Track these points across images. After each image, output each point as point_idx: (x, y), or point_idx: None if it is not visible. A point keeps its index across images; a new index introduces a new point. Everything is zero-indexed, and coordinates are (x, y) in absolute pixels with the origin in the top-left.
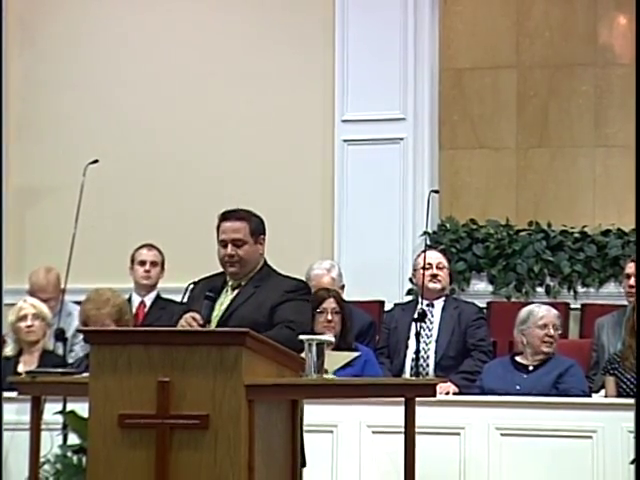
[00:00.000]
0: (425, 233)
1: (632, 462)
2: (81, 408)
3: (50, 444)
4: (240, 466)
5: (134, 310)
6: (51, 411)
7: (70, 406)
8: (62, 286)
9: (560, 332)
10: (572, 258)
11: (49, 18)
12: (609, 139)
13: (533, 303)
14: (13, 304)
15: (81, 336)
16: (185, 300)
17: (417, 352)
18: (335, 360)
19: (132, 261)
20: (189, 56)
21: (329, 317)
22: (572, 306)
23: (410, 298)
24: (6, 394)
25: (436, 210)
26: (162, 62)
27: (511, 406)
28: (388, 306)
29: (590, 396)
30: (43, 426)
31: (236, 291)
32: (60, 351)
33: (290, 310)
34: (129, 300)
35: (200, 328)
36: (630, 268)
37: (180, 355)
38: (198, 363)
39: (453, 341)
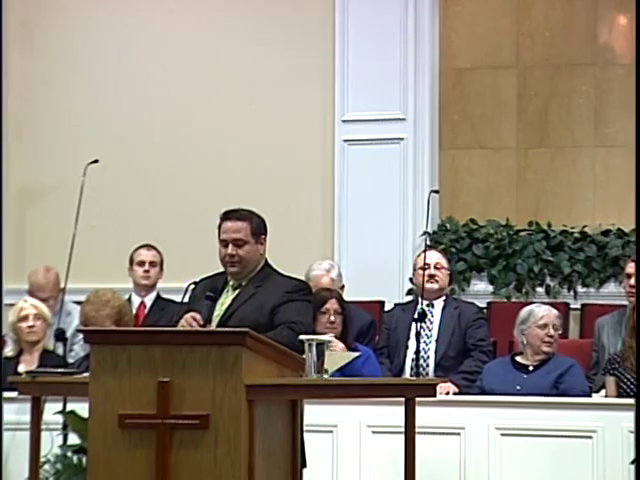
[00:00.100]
0: (425, 233)
1: (632, 462)
2: (81, 408)
3: (50, 444)
4: (240, 466)
5: (134, 311)
6: (51, 411)
7: (70, 406)
8: (61, 285)
9: (560, 332)
10: (572, 258)
11: (49, 18)
12: (609, 139)
13: (533, 303)
14: (13, 304)
15: (81, 336)
16: (186, 300)
17: (417, 352)
18: (335, 360)
19: (131, 261)
20: (189, 56)
21: (332, 318)
22: (572, 306)
23: (410, 298)
24: (6, 394)
25: (436, 210)
26: (162, 62)
27: (511, 406)
28: (388, 306)
29: (590, 396)
30: (43, 426)
31: (237, 291)
32: (60, 351)
33: (291, 311)
34: (129, 301)
35: (200, 328)
36: (630, 268)
37: (180, 355)
38: (198, 363)
39: (453, 341)
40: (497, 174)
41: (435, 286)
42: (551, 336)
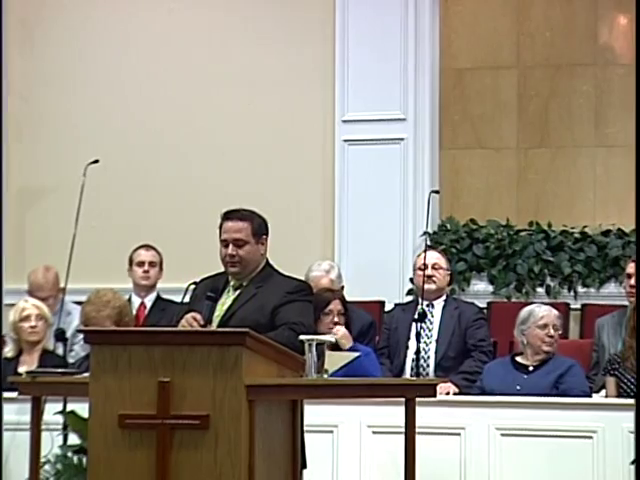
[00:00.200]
0: (425, 233)
1: (632, 463)
2: (81, 408)
3: (50, 444)
4: (240, 466)
5: (134, 312)
6: (51, 411)
7: (70, 406)
8: (61, 285)
9: (560, 332)
10: (572, 258)
11: (49, 18)
12: (609, 139)
13: (533, 303)
14: (13, 304)
15: (81, 336)
16: (186, 300)
17: (417, 352)
18: (335, 360)
19: (130, 262)
20: (189, 56)
21: (335, 319)
22: (572, 306)
23: (410, 298)
24: (6, 394)
25: (436, 210)
26: (162, 62)
27: (511, 406)
28: (388, 306)
29: (590, 396)
30: (43, 426)
31: (238, 291)
32: (60, 351)
33: (292, 311)
34: (129, 301)
35: (201, 328)
36: (631, 268)
37: (180, 355)
38: (198, 363)
39: (453, 341)
40: (497, 174)
41: (433, 286)
42: (551, 336)
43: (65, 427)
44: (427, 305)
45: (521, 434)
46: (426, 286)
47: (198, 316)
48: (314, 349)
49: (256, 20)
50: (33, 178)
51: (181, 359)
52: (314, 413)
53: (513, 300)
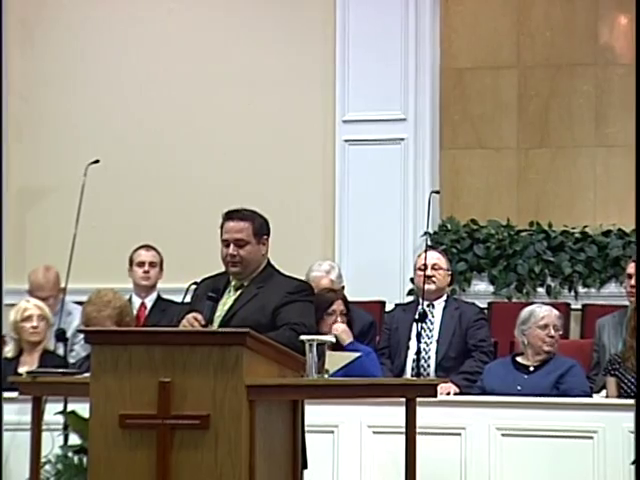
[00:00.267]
0: (426, 233)
1: (633, 463)
2: (82, 408)
3: (51, 444)
4: (241, 466)
5: (135, 312)
6: (52, 411)
7: (71, 406)
8: (61, 285)
9: (561, 332)
10: (573, 258)
11: (49, 18)
12: (610, 139)
13: (534, 303)
14: (13, 304)
15: (81, 336)
16: (187, 300)
17: (418, 353)
18: (336, 360)
19: (130, 262)
20: (189, 56)
21: (338, 319)
22: (573, 306)
23: (411, 299)
24: (7, 394)
25: (437, 210)
26: (162, 62)
27: (512, 406)
28: (389, 306)
29: (591, 396)
30: (44, 426)
31: (239, 291)
32: (61, 351)
33: (293, 312)
34: (129, 301)
35: (202, 328)
36: (632, 268)
37: (181, 355)
38: (199, 363)
39: (454, 342)
40: (498, 174)
41: (432, 287)
42: (552, 336)
43: (66, 427)
44: (428, 305)
45: (522, 434)
46: (426, 286)
47: (199, 316)
48: (315, 349)
49: (256, 20)
50: (33, 178)
51: (182, 359)
52: (315, 413)
53: (514, 300)
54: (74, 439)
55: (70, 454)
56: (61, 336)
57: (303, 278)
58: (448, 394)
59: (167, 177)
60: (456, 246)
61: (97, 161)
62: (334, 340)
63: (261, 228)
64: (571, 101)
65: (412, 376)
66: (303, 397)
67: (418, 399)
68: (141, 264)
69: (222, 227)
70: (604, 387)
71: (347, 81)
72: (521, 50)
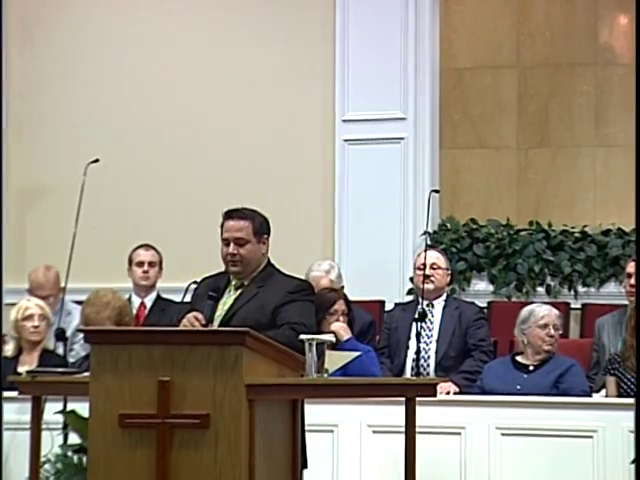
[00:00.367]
0: (426, 233)
1: (633, 462)
2: (82, 408)
3: (51, 444)
4: (241, 466)
5: (134, 311)
6: (52, 411)
7: (71, 406)
8: (61, 284)
9: (561, 332)
10: (573, 258)
11: (49, 18)
12: (610, 139)
13: (534, 303)
14: (13, 304)
15: (81, 335)
16: (186, 299)
17: (418, 352)
18: (335, 360)
19: (130, 262)
20: (189, 56)
21: (340, 319)
22: (573, 306)
23: (411, 298)
24: (7, 394)
25: (437, 210)
26: (162, 62)
27: (512, 406)
28: (389, 306)
29: (591, 396)
30: (44, 426)
31: (239, 291)
32: (60, 351)
33: (293, 311)
34: (129, 301)
35: (201, 328)
36: (631, 267)
37: (181, 355)
38: (199, 363)
39: (454, 341)
40: (497, 174)
41: (431, 286)
42: (552, 336)
43: (65, 426)
44: (427, 305)
45: (521, 434)
46: (425, 286)
47: (200, 315)
48: (314, 349)
49: (256, 20)
50: (33, 178)
51: (181, 358)
52: (314, 412)
53: (513, 300)
54: (74, 438)
55: (70, 453)
56: (61, 335)
57: (303, 278)
58: (448, 393)
59: (167, 177)
60: (456, 245)
61: (97, 160)
62: (334, 340)
63: (261, 227)
64: (571, 101)
65: (412, 376)
66: (303, 396)
67: (418, 398)
68: (140, 264)
69: (222, 226)
70: (604, 386)
71: (347, 81)
72: (521, 50)
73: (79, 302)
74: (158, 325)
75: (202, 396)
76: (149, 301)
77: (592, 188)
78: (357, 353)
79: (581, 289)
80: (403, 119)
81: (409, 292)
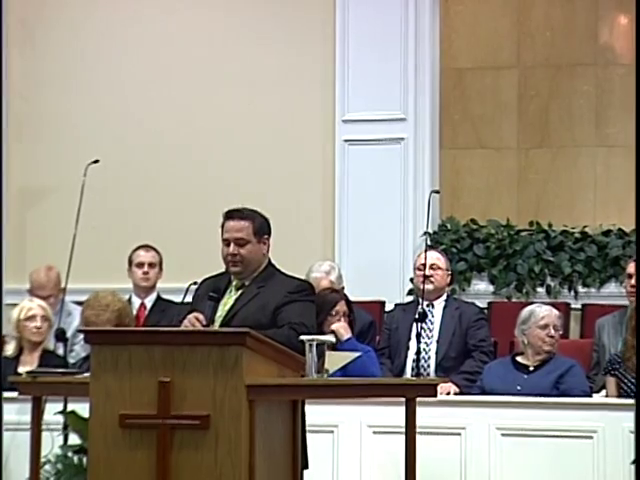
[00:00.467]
0: (426, 233)
1: (633, 462)
2: (82, 408)
3: (51, 444)
4: (241, 466)
5: (135, 312)
6: (52, 411)
7: (71, 406)
8: (62, 285)
9: (561, 332)
10: (573, 258)
11: (49, 18)
12: (610, 139)
13: (534, 303)
14: (13, 304)
15: (81, 336)
16: (187, 300)
17: (418, 353)
18: (335, 360)
19: (130, 263)
20: (189, 56)
21: (342, 320)
22: (573, 306)
23: (411, 298)
24: (7, 394)
25: (437, 210)
26: (162, 62)
27: (512, 406)
28: (389, 306)
29: (591, 396)
30: (44, 426)
31: (240, 291)
32: (60, 351)
33: (294, 312)
34: (129, 301)
35: (202, 328)
36: (632, 268)
37: (181, 355)
38: (199, 363)
39: (454, 342)
40: (498, 174)
41: (430, 287)
42: (552, 336)
43: (65, 427)
44: (427, 305)
45: (521, 434)
46: (425, 286)
47: (201, 316)
48: (314, 349)
49: (256, 20)
50: (33, 178)
51: (181, 359)
52: (314, 413)
53: (513, 300)
54: (74, 439)
55: (70, 454)
56: (61, 336)
57: (304, 278)
58: (448, 394)
59: (167, 177)
60: (456, 246)
61: (97, 161)
62: (334, 340)
63: (261, 227)
64: (571, 101)
65: (412, 376)
66: (303, 397)
67: (418, 399)
68: (140, 265)
69: (223, 226)
70: (604, 387)
71: (347, 81)
72: (521, 50)
73: (79, 303)
74: (158, 326)
75: (202, 397)
76: (149, 302)
77: (592, 188)
78: (357, 354)
79: (581, 289)
80: (403, 119)
81: (409, 292)
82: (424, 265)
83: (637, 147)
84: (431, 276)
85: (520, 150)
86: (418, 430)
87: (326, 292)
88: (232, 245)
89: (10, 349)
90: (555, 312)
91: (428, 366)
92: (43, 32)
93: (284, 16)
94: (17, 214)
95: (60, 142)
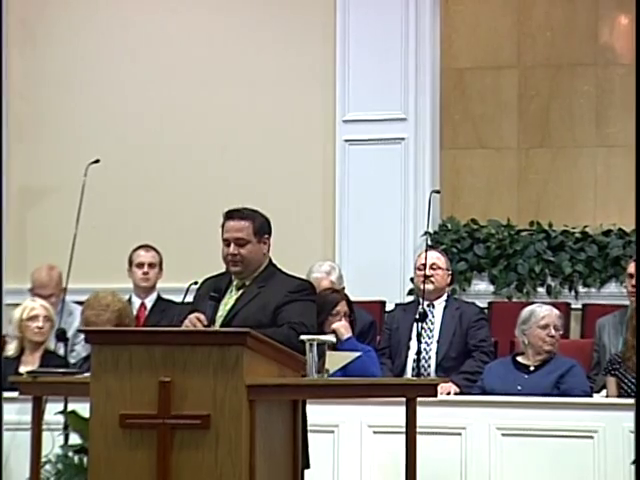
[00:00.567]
0: (426, 233)
1: (633, 462)
2: (82, 408)
3: (51, 444)
4: (241, 466)
5: (135, 312)
6: (52, 411)
7: (71, 406)
8: (63, 285)
9: (561, 332)
10: (573, 258)
11: (50, 17)
12: (610, 139)
13: (534, 303)
14: (14, 304)
15: (82, 336)
16: (188, 300)
17: (418, 353)
18: (336, 360)
19: (130, 263)
20: (190, 57)
21: (342, 320)
22: (573, 306)
23: (411, 298)
24: (7, 394)
25: (437, 210)
26: (163, 62)
27: (512, 406)
28: (389, 306)
29: (591, 396)
30: (44, 426)
31: (240, 291)
32: (61, 351)
33: (294, 311)
34: (129, 301)
35: (203, 328)
36: (632, 268)
37: (181, 355)
38: (199, 363)
39: (454, 342)
40: (498, 174)
41: (430, 287)
42: (552, 336)
43: (66, 427)
44: (428, 305)
45: (522, 434)
46: (425, 286)
47: (202, 316)
48: (315, 349)
49: (257, 21)
50: (34, 178)
51: (182, 359)
52: (315, 413)
53: (514, 300)
54: (74, 439)
55: (70, 454)
56: (62, 336)
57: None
58: (448, 394)
59: (167, 177)
60: (456, 246)
61: (97, 161)
62: (334, 340)
63: (262, 227)
64: (572, 101)
65: (412, 376)
66: (303, 397)
67: (418, 399)
68: (140, 265)
69: (223, 226)
70: (604, 387)
71: (347, 81)
72: (521, 50)
73: (80, 302)
74: (159, 326)
75: (203, 396)
76: (149, 302)
77: (593, 188)
78: (358, 353)
79: (582, 289)
80: (404, 119)
81: (410, 292)
82: (424, 265)
83: (637, 147)
84: (431, 276)
85: (520, 150)
86: (418, 430)
87: (327, 292)
88: (232, 245)
89: (11, 349)
90: (555, 312)
91: (428, 366)
92: (44, 32)
93: (284, 16)
94: (18, 214)
95: (60, 142)
